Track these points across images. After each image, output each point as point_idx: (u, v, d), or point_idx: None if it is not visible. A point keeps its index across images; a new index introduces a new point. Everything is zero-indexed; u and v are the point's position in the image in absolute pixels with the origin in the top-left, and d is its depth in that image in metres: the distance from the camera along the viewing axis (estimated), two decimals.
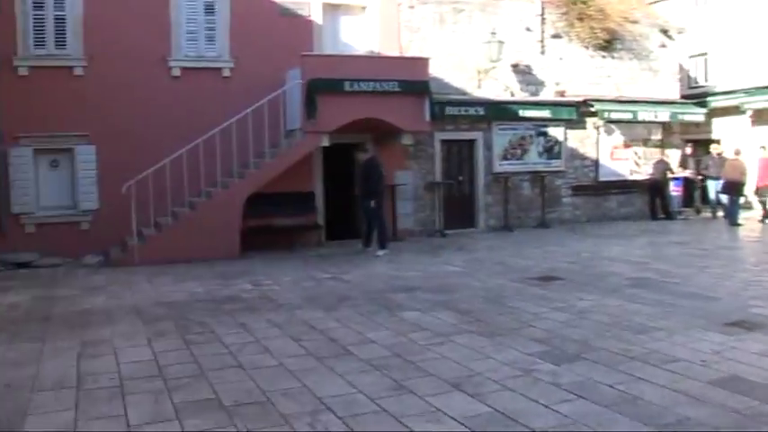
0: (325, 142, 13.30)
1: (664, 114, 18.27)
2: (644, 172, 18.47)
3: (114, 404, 4.96)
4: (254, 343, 6.58)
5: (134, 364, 5.95)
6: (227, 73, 13.96)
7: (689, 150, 18.99)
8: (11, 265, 12.15)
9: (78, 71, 13.03)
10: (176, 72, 13.65)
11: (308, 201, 14.46)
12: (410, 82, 13.69)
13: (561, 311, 7.57)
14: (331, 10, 14.97)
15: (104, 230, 12.84)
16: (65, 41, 12.98)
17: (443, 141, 16.14)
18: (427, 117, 14.01)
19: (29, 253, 12.42)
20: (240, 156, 12.92)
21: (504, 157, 16.86)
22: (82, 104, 12.94)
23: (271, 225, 13.73)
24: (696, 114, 19.03)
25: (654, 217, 17.93)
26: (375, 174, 12.91)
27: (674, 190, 18.37)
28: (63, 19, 12.94)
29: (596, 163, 18.06)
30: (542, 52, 17.24)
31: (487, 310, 7.75)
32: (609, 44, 17.98)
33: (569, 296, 8.40)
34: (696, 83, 21.71)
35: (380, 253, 12.66)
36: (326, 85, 12.96)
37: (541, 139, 17.30)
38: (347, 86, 13.14)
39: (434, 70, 14.97)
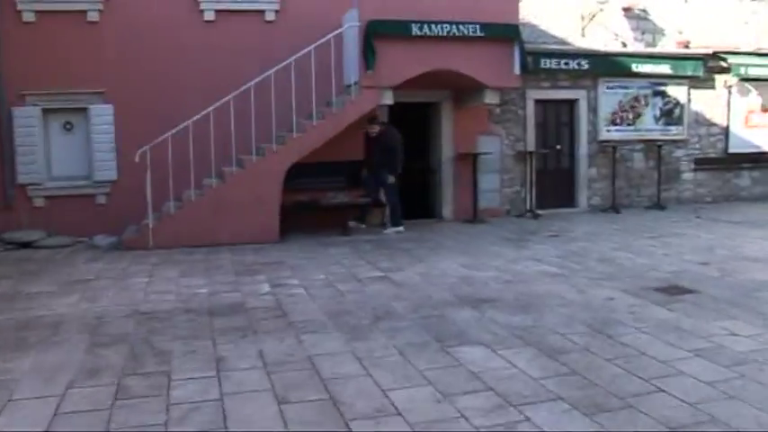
0: (388, 100, 10.82)
1: None
2: None
3: None
4: (213, 403, 4.18)
5: None
6: (270, 16, 11.59)
7: None
8: (11, 244, 10.32)
9: (93, 16, 10.96)
10: (209, 16, 11.38)
11: None
12: (496, 26, 11.01)
13: (704, 358, 4.85)
14: None
15: (124, 205, 10.86)
16: None
17: (537, 101, 13.52)
18: (517, 70, 11.31)
19: (35, 231, 10.59)
20: (281, 117, 10.59)
21: (613, 122, 14.10)
22: (97, 56, 10.95)
23: (318, 201, 11.28)
24: None
25: None
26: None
27: None
28: None
29: (726, 131, 15.06)
30: None
31: (589, 349, 5.10)
32: None
33: (711, 325, 5.64)
34: None
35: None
36: (389, 28, 10.48)
37: (659, 100, 14.45)
38: (415, 30, 10.58)
39: (527, 14, 12.46)
